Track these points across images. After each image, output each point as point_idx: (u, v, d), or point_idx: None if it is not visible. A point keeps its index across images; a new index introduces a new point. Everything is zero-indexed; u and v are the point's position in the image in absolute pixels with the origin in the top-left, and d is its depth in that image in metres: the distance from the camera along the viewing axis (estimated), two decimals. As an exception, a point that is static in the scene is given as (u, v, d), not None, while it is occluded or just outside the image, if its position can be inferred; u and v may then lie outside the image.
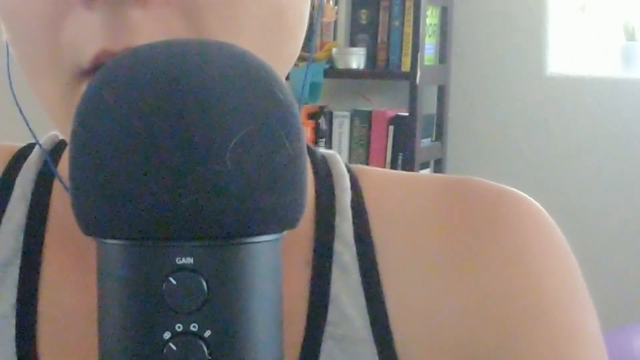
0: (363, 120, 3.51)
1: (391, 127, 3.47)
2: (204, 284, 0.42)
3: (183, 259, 0.42)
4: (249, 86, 0.44)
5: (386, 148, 3.48)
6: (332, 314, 0.61)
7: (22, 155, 0.67)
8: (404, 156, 3.43)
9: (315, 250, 0.63)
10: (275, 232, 0.44)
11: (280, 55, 0.57)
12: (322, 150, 0.69)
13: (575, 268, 0.66)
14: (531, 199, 0.66)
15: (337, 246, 0.63)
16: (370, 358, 0.61)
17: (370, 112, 3.51)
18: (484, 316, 0.62)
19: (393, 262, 0.63)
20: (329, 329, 0.61)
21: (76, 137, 0.44)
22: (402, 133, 3.43)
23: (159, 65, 0.44)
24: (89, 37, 0.52)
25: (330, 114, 3.57)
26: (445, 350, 0.62)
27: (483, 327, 0.62)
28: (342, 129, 3.54)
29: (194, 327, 0.42)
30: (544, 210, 0.66)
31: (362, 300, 0.62)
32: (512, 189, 0.66)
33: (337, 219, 0.64)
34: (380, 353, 0.61)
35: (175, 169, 0.42)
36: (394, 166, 3.41)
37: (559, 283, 0.64)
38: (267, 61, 0.54)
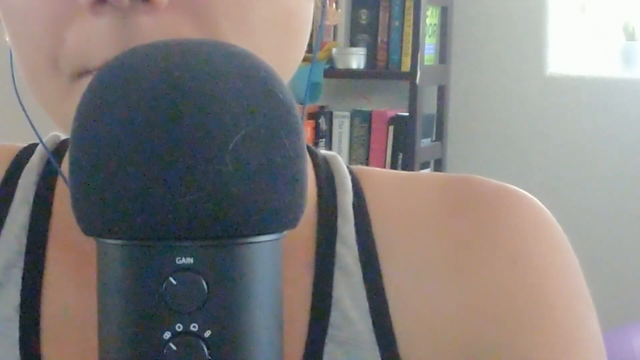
0: (363, 120, 3.51)
1: (391, 127, 3.47)
2: (204, 284, 0.42)
3: (183, 259, 0.42)
4: (249, 86, 0.44)
5: (386, 148, 3.48)
6: (334, 317, 0.61)
7: (23, 156, 0.67)
8: (404, 156, 3.43)
9: (317, 253, 0.63)
10: (275, 232, 0.44)
11: (288, 57, 0.58)
12: (323, 151, 0.69)
13: (576, 266, 0.66)
14: (532, 196, 0.66)
15: (339, 248, 0.63)
16: None
17: (370, 112, 3.51)
18: (485, 315, 0.62)
19: (395, 263, 0.63)
20: (331, 332, 0.61)
21: (76, 137, 0.44)
22: (402, 133, 3.43)
23: (158, 65, 0.44)
24: (96, 42, 0.52)
25: (330, 114, 3.56)
26: (447, 350, 0.62)
27: (484, 326, 0.62)
28: (342, 129, 3.53)
29: (194, 327, 0.42)
30: (545, 208, 0.66)
31: (365, 303, 0.62)
32: (513, 186, 0.66)
33: (339, 220, 0.64)
34: (383, 355, 0.61)
35: (175, 169, 0.42)
36: (394, 166, 3.41)
37: (560, 281, 0.64)
38: (276, 63, 0.54)
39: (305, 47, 0.60)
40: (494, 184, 0.66)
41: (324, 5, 0.63)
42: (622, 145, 3.40)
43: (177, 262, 0.42)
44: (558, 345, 0.61)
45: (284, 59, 0.57)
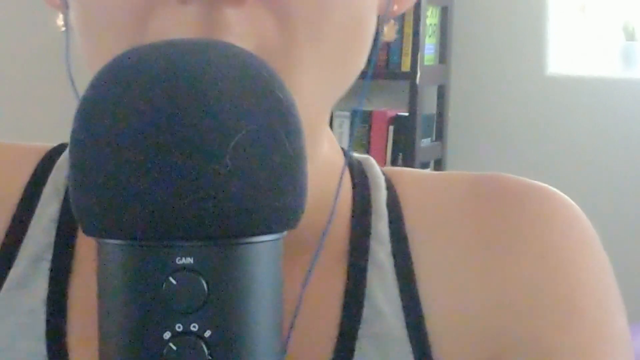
0: (363, 120, 3.51)
1: (391, 127, 3.47)
2: (204, 284, 0.42)
3: (183, 259, 0.42)
4: (249, 86, 0.44)
5: (386, 148, 3.48)
6: (367, 312, 0.62)
7: (54, 154, 0.68)
8: (404, 156, 3.43)
9: (351, 248, 0.64)
10: (275, 232, 0.44)
11: (354, 64, 0.60)
12: (356, 154, 0.70)
13: (606, 263, 0.66)
14: (562, 193, 0.67)
15: (373, 244, 0.64)
16: (405, 355, 0.61)
17: (370, 112, 3.51)
18: (515, 310, 0.62)
19: (427, 259, 0.64)
20: (363, 327, 0.61)
21: (76, 137, 0.44)
22: (402, 133, 3.43)
23: (159, 65, 0.44)
24: (180, 31, 0.52)
25: (331, 113, 3.56)
26: (477, 344, 0.62)
27: (514, 321, 0.62)
28: (342, 129, 3.53)
29: (194, 327, 0.42)
30: (575, 205, 0.67)
31: (397, 298, 0.62)
32: (542, 183, 0.67)
33: (373, 217, 0.65)
34: (414, 350, 0.61)
35: (175, 169, 0.42)
36: (394, 166, 3.41)
37: (589, 278, 0.64)
38: (341, 70, 0.56)
39: (366, 57, 0.61)
40: (522, 180, 0.67)
41: (386, 19, 0.63)
42: (622, 145, 3.40)
43: (177, 262, 0.42)
44: (584, 342, 0.62)
45: (350, 66, 0.59)
